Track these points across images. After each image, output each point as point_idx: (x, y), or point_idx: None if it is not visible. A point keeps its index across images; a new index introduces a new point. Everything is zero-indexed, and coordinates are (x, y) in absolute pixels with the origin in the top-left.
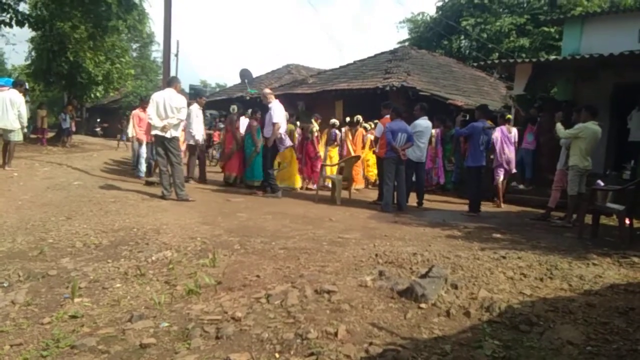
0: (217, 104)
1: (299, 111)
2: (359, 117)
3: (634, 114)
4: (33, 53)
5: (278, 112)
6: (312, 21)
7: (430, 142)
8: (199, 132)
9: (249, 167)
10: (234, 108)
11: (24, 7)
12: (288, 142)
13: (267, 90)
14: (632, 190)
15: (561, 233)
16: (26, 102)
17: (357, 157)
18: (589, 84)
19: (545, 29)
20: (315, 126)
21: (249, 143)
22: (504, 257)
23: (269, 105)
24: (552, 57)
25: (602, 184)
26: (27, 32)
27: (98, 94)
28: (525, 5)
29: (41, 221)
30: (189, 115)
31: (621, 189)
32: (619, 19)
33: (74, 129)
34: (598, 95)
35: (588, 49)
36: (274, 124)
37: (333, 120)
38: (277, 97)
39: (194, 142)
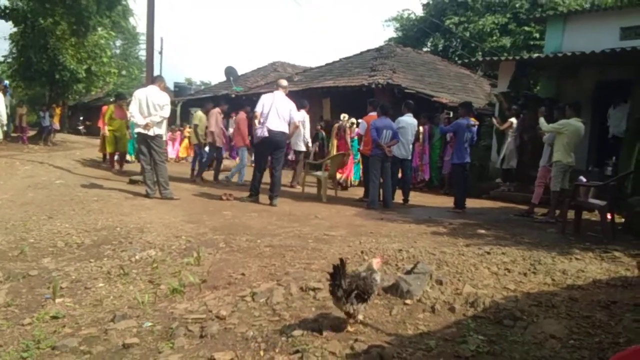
0: (202, 102)
1: None
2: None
3: (610, 112)
4: (14, 49)
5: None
6: (297, 17)
7: (417, 139)
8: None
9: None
10: (344, 117)
11: (3, 2)
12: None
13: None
14: (614, 186)
15: (544, 229)
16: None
17: (343, 154)
18: (572, 82)
19: (527, 28)
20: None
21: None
22: (488, 253)
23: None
24: (535, 55)
25: (584, 179)
26: (6, 29)
27: (79, 91)
28: (507, 4)
29: (22, 220)
30: (302, 122)
31: (603, 184)
32: (600, 17)
33: (58, 127)
34: (580, 92)
35: (570, 47)
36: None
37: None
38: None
39: (305, 149)
